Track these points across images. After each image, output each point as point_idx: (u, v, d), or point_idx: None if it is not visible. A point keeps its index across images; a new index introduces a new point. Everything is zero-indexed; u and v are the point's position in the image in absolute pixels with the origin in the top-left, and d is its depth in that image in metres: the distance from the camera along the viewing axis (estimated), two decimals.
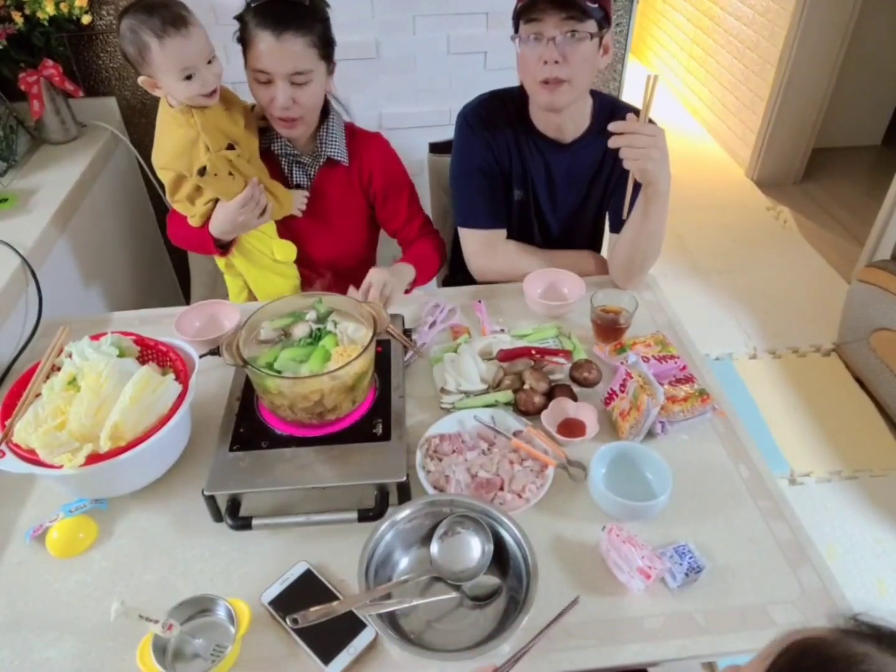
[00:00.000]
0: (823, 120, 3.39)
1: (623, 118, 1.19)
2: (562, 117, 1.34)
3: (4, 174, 1.67)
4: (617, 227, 1.43)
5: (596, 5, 1.18)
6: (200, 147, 1.22)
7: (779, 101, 3.29)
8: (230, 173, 1.25)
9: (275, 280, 1.48)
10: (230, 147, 1.25)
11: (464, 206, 1.47)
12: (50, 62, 1.71)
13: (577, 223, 1.52)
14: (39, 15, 1.63)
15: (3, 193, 1.60)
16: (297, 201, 1.39)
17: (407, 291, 1.39)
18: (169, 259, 2.27)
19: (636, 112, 1.20)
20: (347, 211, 1.47)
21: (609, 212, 1.50)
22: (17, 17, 1.62)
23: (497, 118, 1.40)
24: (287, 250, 1.43)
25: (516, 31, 1.24)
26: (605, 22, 1.22)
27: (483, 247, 1.46)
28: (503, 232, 1.48)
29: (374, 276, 1.27)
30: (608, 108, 1.39)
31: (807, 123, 3.36)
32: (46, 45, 1.71)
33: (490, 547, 0.89)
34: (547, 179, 1.44)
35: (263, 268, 1.46)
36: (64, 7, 1.65)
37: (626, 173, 1.24)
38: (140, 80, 1.20)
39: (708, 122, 4.10)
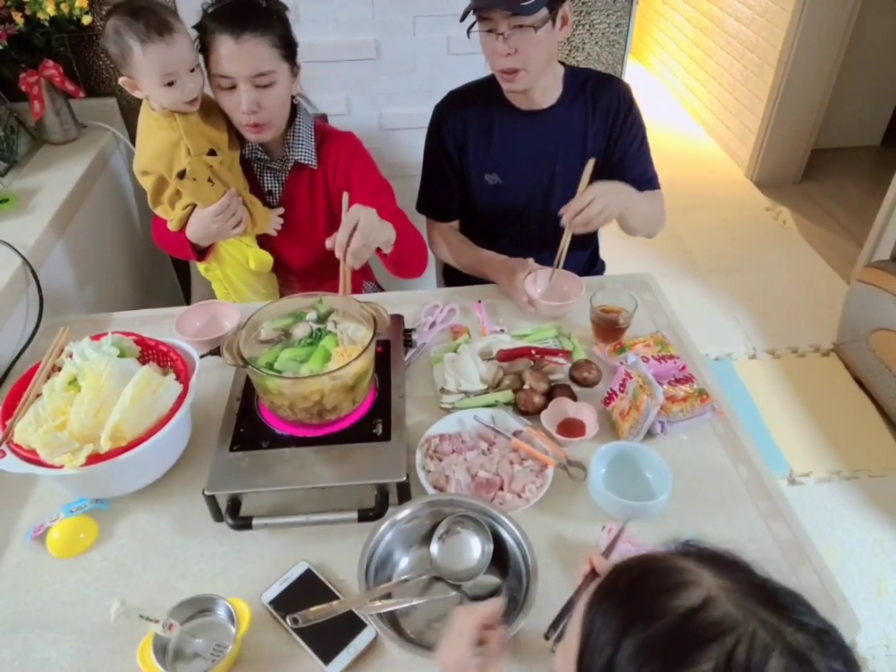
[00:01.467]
0: (823, 120, 3.39)
1: (597, 83, 1.42)
2: (531, 91, 1.39)
3: (5, 174, 1.67)
4: None
5: None
6: (182, 150, 1.21)
7: (778, 102, 3.30)
8: (209, 180, 1.24)
9: (251, 288, 1.47)
10: (212, 153, 1.24)
11: (420, 197, 1.59)
12: (50, 63, 1.71)
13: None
14: (40, 16, 1.63)
15: (4, 194, 1.60)
16: (273, 222, 1.39)
17: (384, 256, 1.29)
18: (169, 259, 2.27)
19: (605, 78, 1.45)
20: (318, 215, 1.45)
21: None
22: (18, 18, 1.62)
23: (464, 108, 1.47)
24: (262, 260, 1.42)
25: (473, 24, 1.30)
26: (555, 1, 1.25)
27: (428, 232, 1.58)
28: (445, 224, 1.60)
29: (359, 215, 1.08)
30: (581, 76, 1.45)
31: (806, 124, 3.37)
32: (47, 45, 1.72)
33: (490, 547, 0.89)
34: (528, 156, 1.47)
35: (239, 276, 1.45)
36: (64, 8, 1.66)
37: (621, 152, 1.44)
38: (121, 80, 1.20)
39: (707, 123, 4.10)
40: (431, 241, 1.60)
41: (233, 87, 1.23)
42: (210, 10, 1.21)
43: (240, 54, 1.19)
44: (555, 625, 0.73)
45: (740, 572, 0.48)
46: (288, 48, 1.26)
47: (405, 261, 1.38)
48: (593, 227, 1.27)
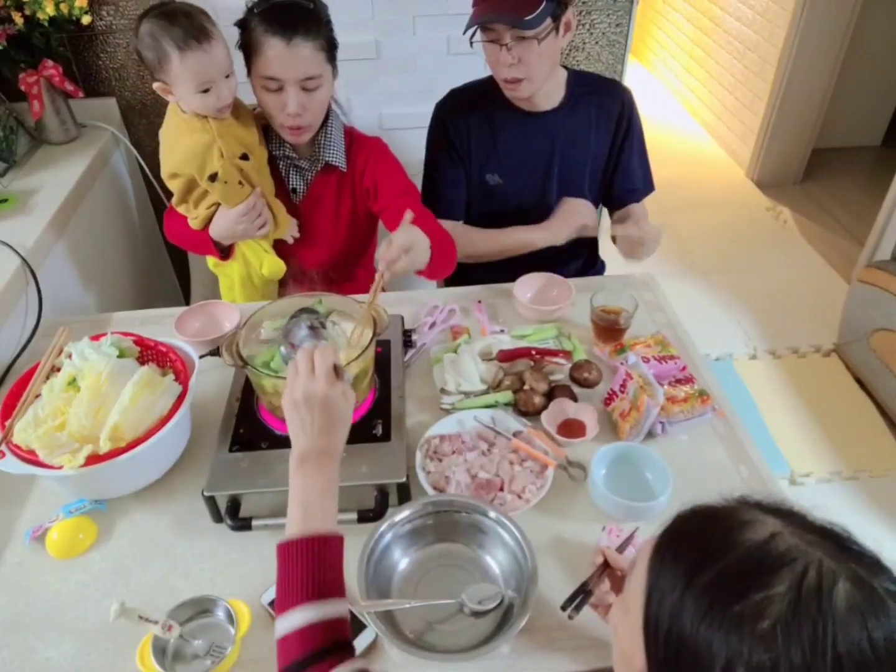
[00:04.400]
0: (823, 120, 3.39)
1: (601, 88, 1.44)
2: (533, 96, 1.39)
3: (4, 175, 1.67)
4: (612, 207, 1.55)
5: (541, 6, 1.20)
6: (214, 152, 1.20)
7: (778, 102, 3.29)
8: (240, 182, 1.24)
9: (246, 291, 1.48)
10: (244, 157, 1.23)
11: (424, 195, 1.51)
12: (50, 63, 1.70)
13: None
14: (39, 15, 1.63)
15: (3, 194, 1.60)
16: (290, 228, 1.39)
17: (420, 273, 1.24)
18: (169, 259, 2.27)
19: (609, 83, 1.46)
20: (342, 217, 1.45)
21: (605, 194, 1.55)
22: (18, 18, 1.61)
23: (467, 108, 1.45)
24: (275, 267, 1.42)
25: (467, 26, 1.28)
26: (559, 8, 1.24)
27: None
28: (458, 223, 1.54)
29: (416, 238, 1.07)
30: (585, 80, 1.45)
31: (807, 124, 3.36)
32: (46, 45, 1.71)
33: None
34: (529, 157, 1.46)
35: (248, 278, 1.46)
36: (64, 7, 1.65)
37: (626, 159, 1.47)
38: (155, 85, 1.19)
39: (708, 123, 4.10)
40: None
41: (279, 89, 1.22)
42: (257, 10, 1.19)
43: (291, 58, 1.18)
44: (571, 599, 0.79)
45: (797, 515, 0.51)
46: (332, 50, 1.26)
47: (438, 266, 1.31)
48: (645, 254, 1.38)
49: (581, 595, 0.78)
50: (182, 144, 1.24)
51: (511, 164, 1.48)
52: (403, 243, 1.04)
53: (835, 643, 0.43)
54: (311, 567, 0.68)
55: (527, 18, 1.19)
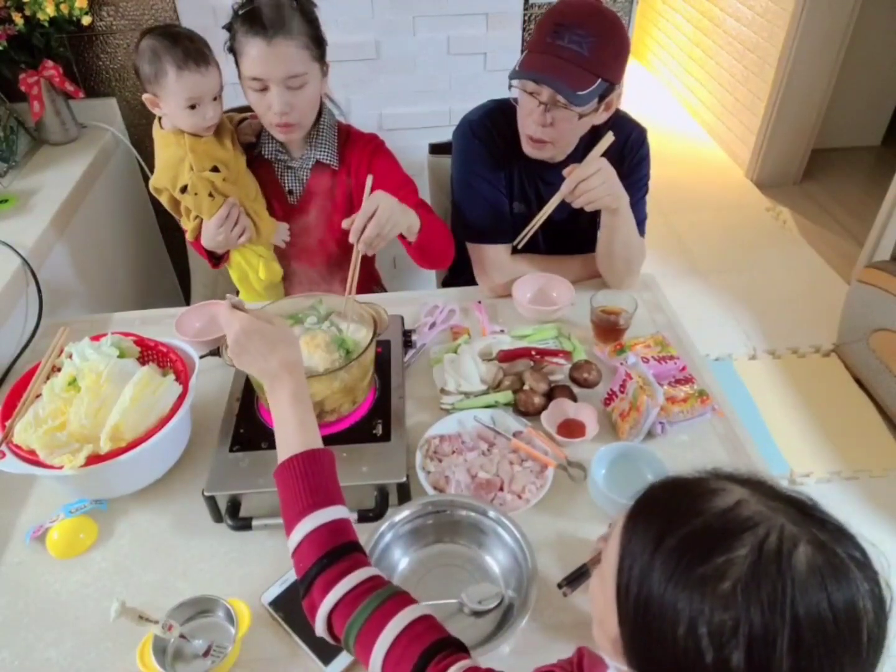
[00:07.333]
0: (823, 120, 3.39)
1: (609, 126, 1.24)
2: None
3: (5, 175, 1.67)
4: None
5: (594, 85, 1.14)
6: (185, 165, 1.24)
7: (778, 102, 3.30)
8: (210, 194, 1.27)
9: (260, 296, 1.49)
10: (215, 170, 1.26)
11: (470, 221, 1.41)
12: (50, 63, 1.71)
13: (571, 235, 1.50)
14: (40, 16, 1.63)
15: (4, 194, 1.60)
16: (281, 233, 1.40)
17: (409, 244, 1.25)
18: (169, 259, 2.27)
19: (617, 120, 1.27)
20: (337, 215, 1.43)
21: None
22: (18, 18, 1.62)
23: (501, 131, 1.36)
24: (273, 271, 1.43)
25: (515, 75, 1.20)
26: (609, 90, 1.19)
27: (492, 263, 1.40)
28: (509, 246, 1.41)
29: (379, 202, 1.08)
30: (597, 128, 1.33)
31: (806, 124, 3.37)
32: (47, 46, 1.71)
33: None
34: (540, 196, 1.41)
35: (247, 283, 1.47)
36: (64, 8, 1.65)
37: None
38: (144, 96, 1.23)
39: (707, 123, 4.10)
40: (488, 271, 1.41)
41: (264, 89, 1.23)
42: (241, 12, 1.21)
43: (272, 58, 1.19)
44: (568, 579, 0.83)
45: (765, 485, 0.53)
46: (318, 48, 1.26)
47: (431, 249, 1.32)
48: (589, 200, 1.19)
49: (578, 575, 0.81)
50: (160, 160, 1.29)
51: (531, 201, 1.42)
52: (367, 210, 1.07)
53: (794, 604, 0.44)
54: (301, 482, 0.74)
55: (579, 93, 1.14)
